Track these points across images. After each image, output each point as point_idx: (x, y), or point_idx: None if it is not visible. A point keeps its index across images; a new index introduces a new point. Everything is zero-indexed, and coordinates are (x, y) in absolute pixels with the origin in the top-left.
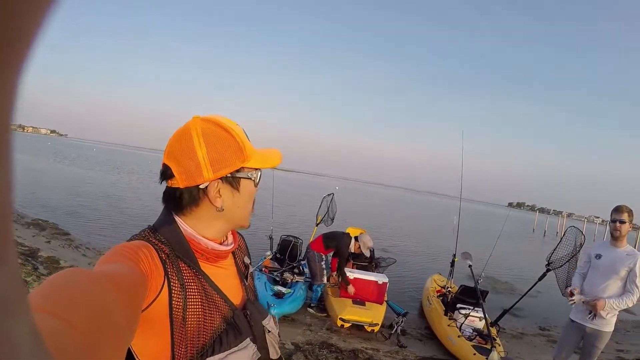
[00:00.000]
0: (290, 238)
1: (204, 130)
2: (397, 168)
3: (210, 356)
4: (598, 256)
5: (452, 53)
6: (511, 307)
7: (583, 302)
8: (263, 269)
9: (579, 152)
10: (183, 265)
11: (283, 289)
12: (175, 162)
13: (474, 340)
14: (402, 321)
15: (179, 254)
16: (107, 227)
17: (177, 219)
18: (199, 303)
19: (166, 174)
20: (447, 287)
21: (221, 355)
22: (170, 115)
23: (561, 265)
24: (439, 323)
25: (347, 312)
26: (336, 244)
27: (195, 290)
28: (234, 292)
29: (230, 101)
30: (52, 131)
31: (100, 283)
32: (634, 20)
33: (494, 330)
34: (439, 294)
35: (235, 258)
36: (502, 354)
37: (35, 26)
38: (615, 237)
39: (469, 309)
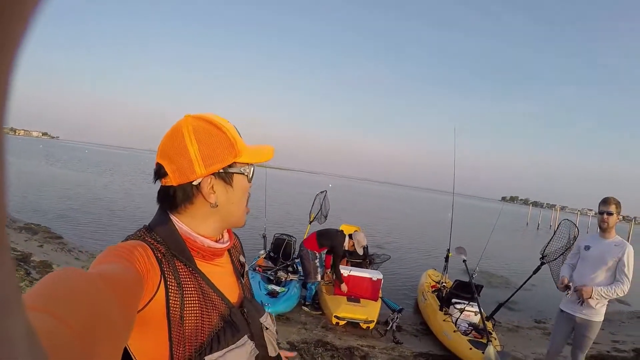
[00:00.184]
0: (284, 236)
1: (195, 127)
2: (393, 165)
3: (209, 354)
4: (587, 247)
5: (448, 53)
6: (506, 301)
7: (572, 288)
8: (257, 268)
9: (571, 146)
10: (179, 264)
11: (277, 288)
12: (168, 160)
13: (469, 335)
14: (397, 317)
15: (175, 253)
16: (99, 230)
17: (172, 217)
18: (196, 302)
19: (160, 172)
20: (442, 282)
21: (219, 353)
22: (165, 116)
23: (555, 259)
24: (434, 318)
25: (342, 309)
26: (331, 243)
27: (192, 289)
28: (231, 290)
29: (224, 102)
30: (44, 134)
31: (95, 282)
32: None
33: (489, 324)
34: (433, 289)
35: (231, 256)
36: (498, 348)
37: (22, 28)
38: (603, 229)
39: (464, 303)
